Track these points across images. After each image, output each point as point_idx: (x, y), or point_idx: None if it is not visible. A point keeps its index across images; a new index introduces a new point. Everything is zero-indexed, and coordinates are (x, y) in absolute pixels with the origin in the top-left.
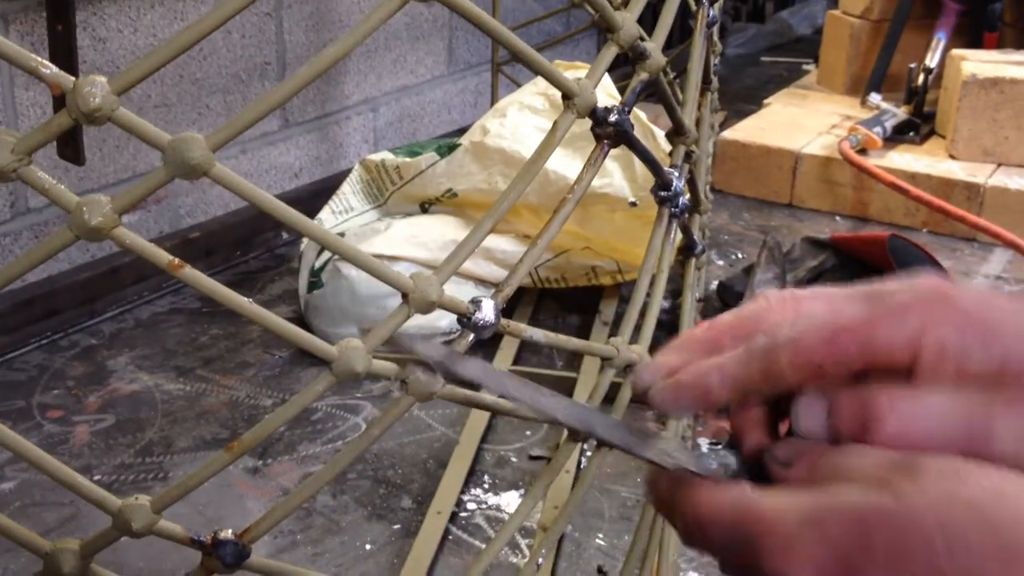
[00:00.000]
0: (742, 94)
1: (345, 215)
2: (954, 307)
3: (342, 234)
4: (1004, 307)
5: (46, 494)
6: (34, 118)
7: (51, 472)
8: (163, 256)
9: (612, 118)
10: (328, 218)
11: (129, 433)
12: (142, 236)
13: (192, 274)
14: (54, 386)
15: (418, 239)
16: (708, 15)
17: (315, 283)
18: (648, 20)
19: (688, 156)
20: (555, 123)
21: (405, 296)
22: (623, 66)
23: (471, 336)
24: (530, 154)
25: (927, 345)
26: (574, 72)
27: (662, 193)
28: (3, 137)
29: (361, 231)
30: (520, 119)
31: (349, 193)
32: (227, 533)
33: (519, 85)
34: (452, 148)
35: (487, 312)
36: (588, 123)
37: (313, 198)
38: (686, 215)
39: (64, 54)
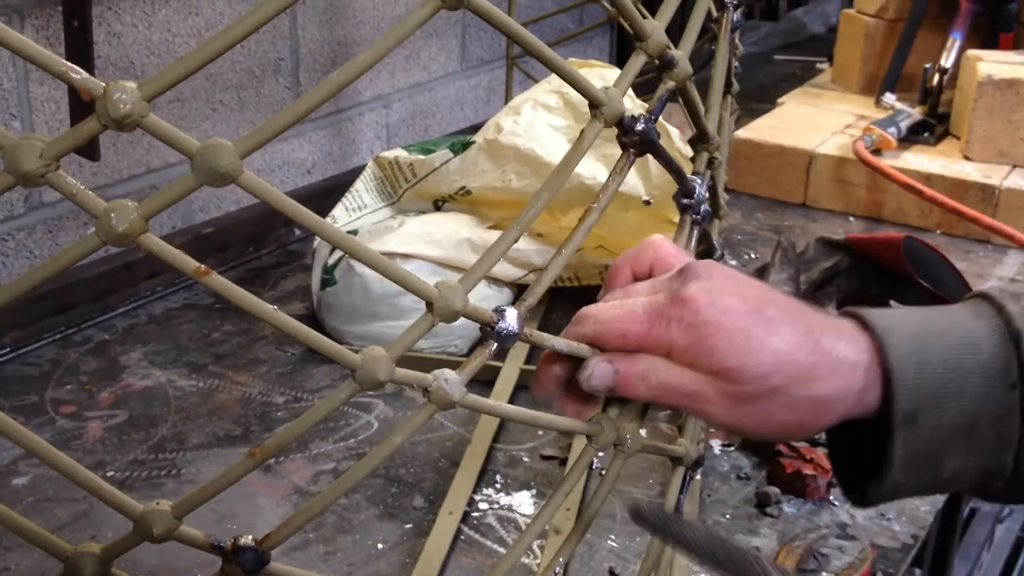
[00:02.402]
0: (755, 93)
1: (358, 212)
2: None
3: (355, 231)
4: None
5: (59, 490)
6: (48, 113)
7: (72, 475)
8: (189, 263)
9: (639, 127)
10: (341, 215)
11: (142, 429)
12: (155, 232)
13: (218, 281)
14: (67, 381)
15: (431, 237)
16: (733, 20)
17: (328, 280)
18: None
19: (711, 163)
20: (582, 132)
21: (429, 305)
22: (654, 61)
23: (494, 345)
24: (544, 152)
25: None
26: (588, 71)
27: (684, 201)
28: (32, 142)
29: (374, 228)
30: (534, 117)
31: (362, 190)
32: (247, 539)
33: (534, 80)
34: (466, 146)
35: (511, 321)
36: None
37: (326, 195)
38: (707, 221)
39: (80, 50)
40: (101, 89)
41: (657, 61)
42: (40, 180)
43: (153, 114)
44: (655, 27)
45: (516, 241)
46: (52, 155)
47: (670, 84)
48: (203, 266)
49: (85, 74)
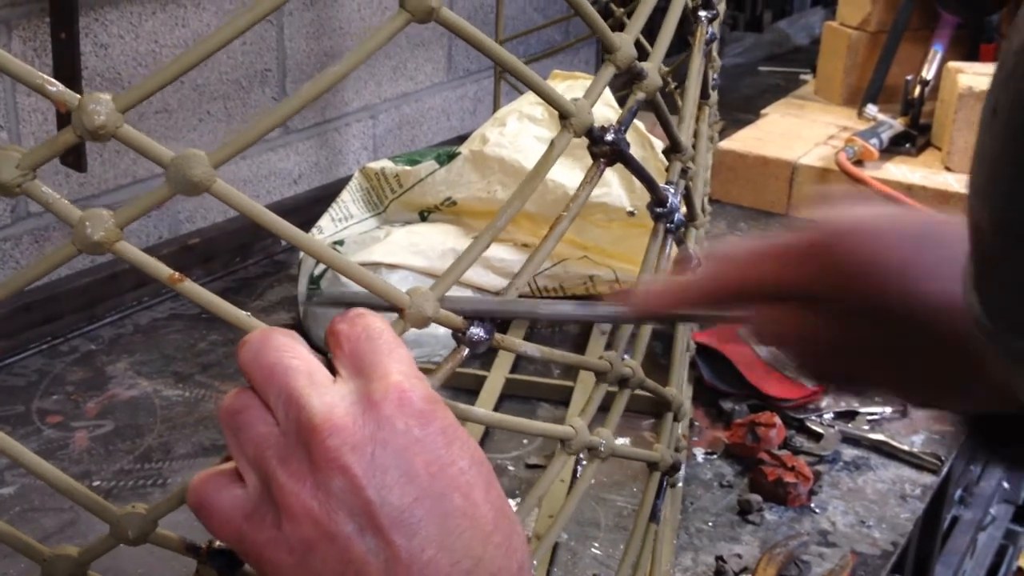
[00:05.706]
0: (739, 104)
1: (345, 223)
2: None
3: (341, 242)
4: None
5: (45, 499)
6: (36, 124)
7: (51, 480)
8: (164, 270)
9: (608, 137)
10: (328, 225)
11: (128, 439)
12: (141, 242)
13: (191, 288)
14: (54, 391)
15: (417, 247)
16: (707, 33)
17: (314, 290)
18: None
19: (684, 172)
20: (552, 142)
21: (401, 311)
22: (623, 73)
23: (466, 351)
24: (529, 163)
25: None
26: (572, 83)
27: (658, 209)
28: (9, 152)
29: (360, 239)
30: (519, 128)
31: (349, 201)
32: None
33: (520, 92)
34: (452, 157)
35: (481, 328)
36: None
37: (312, 205)
38: (682, 230)
39: (68, 62)
40: (76, 101)
41: (627, 74)
42: (17, 190)
43: (127, 125)
44: (624, 40)
45: (487, 248)
46: (28, 165)
47: (640, 96)
48: (177, 273)
49: (61, 87)
